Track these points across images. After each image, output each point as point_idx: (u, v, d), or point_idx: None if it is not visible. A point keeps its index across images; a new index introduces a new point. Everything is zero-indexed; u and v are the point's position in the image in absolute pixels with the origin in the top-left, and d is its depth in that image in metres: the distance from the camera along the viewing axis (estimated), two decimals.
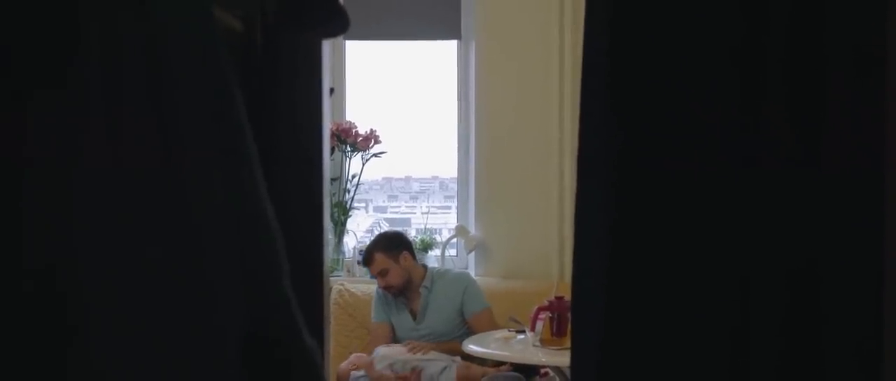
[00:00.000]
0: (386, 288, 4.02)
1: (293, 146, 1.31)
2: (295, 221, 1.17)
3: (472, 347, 3.57)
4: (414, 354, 3.81)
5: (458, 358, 3.80)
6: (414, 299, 4.05)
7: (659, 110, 1.46)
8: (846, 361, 1.41)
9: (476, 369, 3.72)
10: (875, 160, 1.39)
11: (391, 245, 4.05)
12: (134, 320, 0.92)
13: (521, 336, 3.60)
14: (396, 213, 5.53)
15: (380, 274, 4.02)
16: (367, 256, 4.08)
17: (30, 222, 0.91)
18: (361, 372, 3.86)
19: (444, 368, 3.74)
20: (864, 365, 1.40)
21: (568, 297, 2.96)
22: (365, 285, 4.37)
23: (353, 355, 3.99)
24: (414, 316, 4.04)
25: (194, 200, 0.97)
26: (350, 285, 4.34)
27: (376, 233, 4.54)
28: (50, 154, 0.92)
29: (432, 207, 5.34)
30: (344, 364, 3.93)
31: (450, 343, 3.90)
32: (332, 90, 4.51)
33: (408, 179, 5.55)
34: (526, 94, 4.56)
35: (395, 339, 4.05)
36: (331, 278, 4.37)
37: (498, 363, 3.78)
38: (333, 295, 4.26)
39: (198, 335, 0.95)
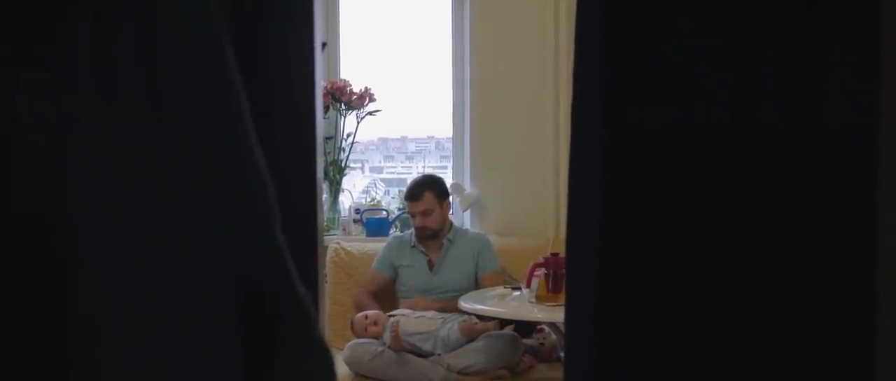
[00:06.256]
0: (421, 228, 4.00)
1: (285, 99, 1.30)
2: (288, 175, 1.17)
3: (467, 304, 3.57)
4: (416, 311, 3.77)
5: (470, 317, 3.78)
6: (435, 249, 4.05)
7: (654, 64, 1.45)
8: (839, 305, 1.42)
9: (480, 326, 3.70)
10: (869, 115, 1.39)
11: (441, 190, 4.05)
12: (127, 268, 0.93)
13: (517, 293, 3.61)
14: (392, 173, 5.51)
15: (422, 213, 3.98)
16: (417, 191, 4.01)
17: (21, 175, 0.91)
18: (402, 312, 3.79)
19: (448, 324, 3.70)
20: (856, 314, 1.41)
21: (563, 253, 2.97)
22: (361, 244, 4.37)
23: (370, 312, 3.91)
24: (430, 266, 4.04)
25: (185, 153, 0.97)
26: (346, 244, 4.34)
27: (416, 177, 4.30)
28: (41, 110, 0.92)
29: (428, 167, 5.33)
30: (358, 316, 3.89)
31: (455, 301, 3.84)
32: (324, 44, 4.44)
33: (403, 139, 5.53)
34: (521, 50, 4.53)
35: (405, 288, 4.01)
36: (326, 237, 4.36)
37: (503, 323, 3.77)
38: (329, 254, 4.26)
39: (191, 282, 0.95)
